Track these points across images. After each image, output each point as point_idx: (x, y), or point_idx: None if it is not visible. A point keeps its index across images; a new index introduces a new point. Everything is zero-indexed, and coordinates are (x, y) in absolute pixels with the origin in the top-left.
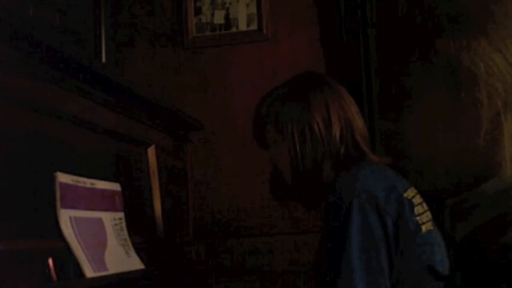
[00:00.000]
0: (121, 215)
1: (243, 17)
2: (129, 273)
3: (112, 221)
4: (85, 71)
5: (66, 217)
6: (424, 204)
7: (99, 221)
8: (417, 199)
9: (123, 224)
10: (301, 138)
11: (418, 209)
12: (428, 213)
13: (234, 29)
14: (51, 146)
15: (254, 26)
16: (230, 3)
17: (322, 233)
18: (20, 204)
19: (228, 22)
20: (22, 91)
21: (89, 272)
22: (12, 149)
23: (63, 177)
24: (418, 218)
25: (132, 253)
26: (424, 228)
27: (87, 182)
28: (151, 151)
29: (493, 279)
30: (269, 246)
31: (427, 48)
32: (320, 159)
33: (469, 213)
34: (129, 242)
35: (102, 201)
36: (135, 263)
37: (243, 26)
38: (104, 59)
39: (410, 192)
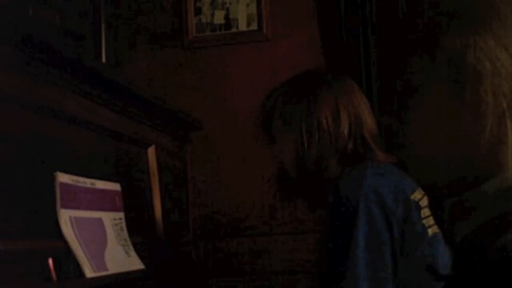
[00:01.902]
0: (121, 215)
1: (243, 17)
2: (129, 273)
3: (112, 221)
4: (85, 71)
5: (66, 217)
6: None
7: (99, 221)
8: (424, 201)
9: (123, 224)
10: (309, 132)
11: (424, 212)
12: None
13: (234, 29)
14: (51, 146)
15: (254, 26)
16: (230, 3)
17: (325, 233)
18: (20, 204)
19: (228, 22)
20: (22, 91)
21: (89, 272)
22: (12, 149)
23: (63, 177)
24: (424, 220)
25: (132, 253)
26: (430, 231)
27: (87, 182)
28: (151, 151)
29: (492, 280)
30: (269, 246)
31: (431, 46)
32: (327, 153)
33: (469, 214)
34: (129, 242)
35: (102, 201)
36: (135, 263)
37: (243, 26)
38: (104, 59)
39: (417, 194)
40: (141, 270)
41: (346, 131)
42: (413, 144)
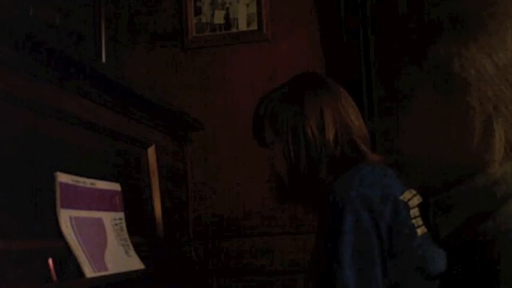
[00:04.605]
0: (121, 215)
1: (243, 17)
2: (129, 273)
3: (112, 221)
4: (85, 71)
5: (66, 217)
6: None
7: (99, 221)
8: (414, 201)
9: (123, 224)
10: (295, 140)
11: (414, 212)
12: None
13: (234, 29)
14: (51, 146)
15: (254, 26)
16: (230, 3)
17: (318, 233)
18: (20, 204)
19: (228, 22)
20: (22, 91)
21: (89, 272)
22: (12, 149)
23: (63, 177)
24: (413, 220)
25: (132, 253)
26: (419, 231)
27: (87, 182)
28: (151, 151)
29: (479, 275)
30: (269, 246)
31: (420, 54)
32: (315, 161)
33: (451, 210)
34: (129, 242)
35: (102, 201)
36: (135, 263)
37: (243, 26)
38: (104, 59)
39: (407, 195)
40: (141, 270)
41: (332, 139)
42: (406, 148)
